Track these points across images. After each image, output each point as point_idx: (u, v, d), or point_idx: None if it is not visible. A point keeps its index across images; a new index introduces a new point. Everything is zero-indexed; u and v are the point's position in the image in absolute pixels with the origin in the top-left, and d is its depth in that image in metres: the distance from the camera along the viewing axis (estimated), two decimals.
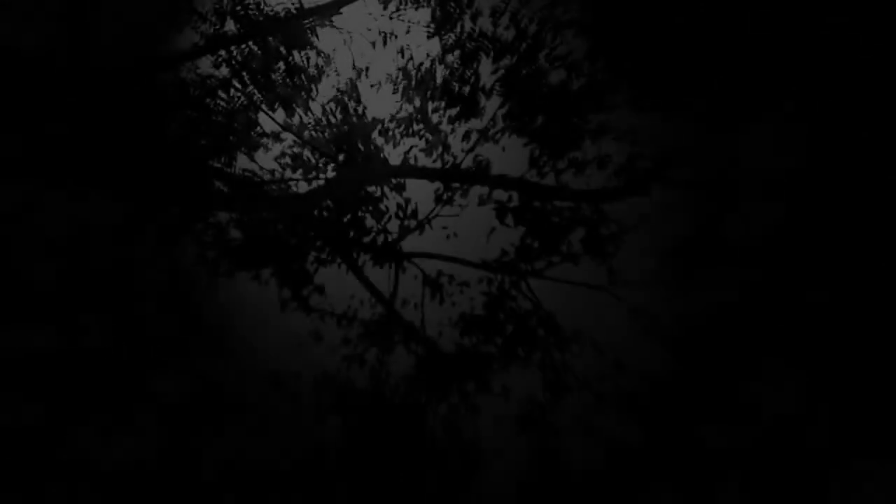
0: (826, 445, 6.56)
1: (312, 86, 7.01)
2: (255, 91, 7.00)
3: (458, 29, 6.77)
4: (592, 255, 7.04)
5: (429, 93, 6.90)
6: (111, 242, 6.95)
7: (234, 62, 6.95)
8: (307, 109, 7.07)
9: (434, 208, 7.00)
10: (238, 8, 6.85)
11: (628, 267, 7.18)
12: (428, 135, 6.99)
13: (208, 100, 6.91)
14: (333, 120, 7.02)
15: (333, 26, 7.02)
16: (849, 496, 6.26)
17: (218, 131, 6.91)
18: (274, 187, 7.06)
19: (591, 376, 7.15)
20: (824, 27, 6.41)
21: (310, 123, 7.08)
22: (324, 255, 7.08)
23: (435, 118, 6.98)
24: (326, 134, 7.06)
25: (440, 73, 6.86)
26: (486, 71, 6.88)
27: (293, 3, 6.88)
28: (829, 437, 6.56)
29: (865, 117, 6.45)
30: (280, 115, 7.06)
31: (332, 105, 7.01)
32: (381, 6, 6.91)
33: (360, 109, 7.02)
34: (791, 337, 6.82)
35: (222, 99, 6.99)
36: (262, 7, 6.87)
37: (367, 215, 6.99)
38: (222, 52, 6.94)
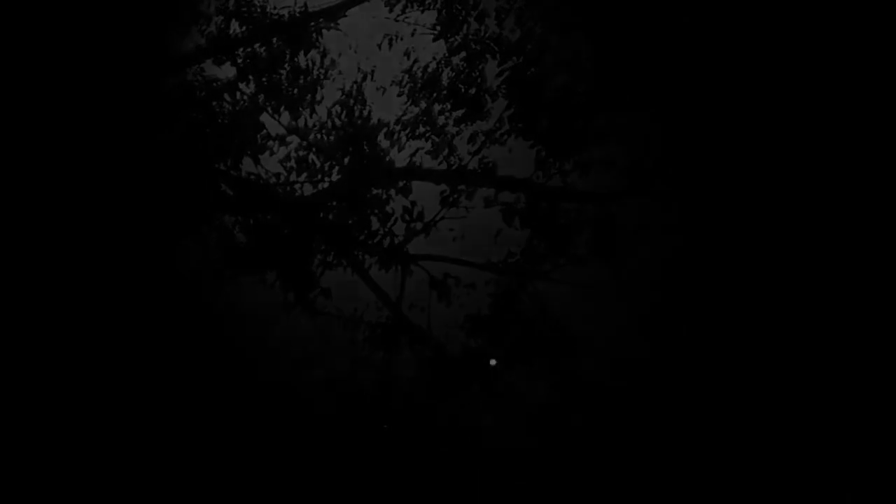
0: (825, 445, 6.55)
1: (317, 88, 7.00)
2: (261, 94, 6.99)
3: (464, 30, 6.76)
4: (599, 257, 7.02)
5: (434, 95, 6.88)
6: (115, 245, 6.93)
7: (239, 64, 6.94)
8: (312, 112, 7.06)
9: (440, 210, 6.98)
10: (243, 10, 6.85)
11: (635, 269, 7.17)
12: (434, 137, 6.98)
13: (213, 102, 6.90)
14: (339, 123, 7.01)
15: (338, 29, 7.01)
16: (848, 496, 6.25)
17: (223, 134, 6.90)
18: (279, 190, 7.04)
19: (597, 378, 7.14)
20: (825, 28, 6.40)
21: (315, 126, 7.07)
22: (329, 258, 7.06)
23: (441, 120, 6.97)
24: (332, 137, 7.05)
25: (446, 75, 6.84)
26: (492, 73, 6.87)
27: (298, 6, 6.87)
28: (828, 437, 6.54)
29: (864, 117, 6.43)
30: (285, 117, 7.06)
31: (338, 108, 7.00)
32: (387, 9, 6.89)
33: (365, 112, 7.01)
34: (797, 338, 6.79)
35: (227, 101, 6.98)
36: (266, 9, 6.87)
37: (373, 218, 6.97)
38: (227, 55, 6.93)
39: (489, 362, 6.98)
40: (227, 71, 7.00)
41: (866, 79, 6.48)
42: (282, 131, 7.09)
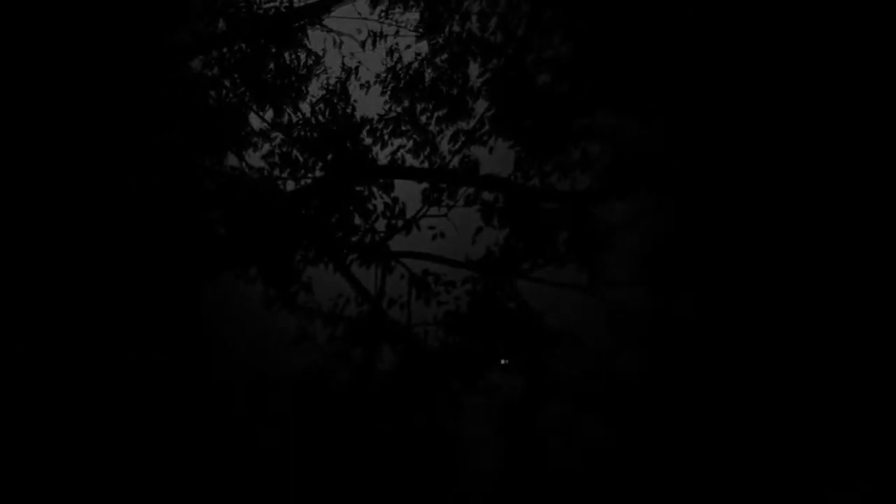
0: (818, 449, 6.55)
1: (302, 86, 7.08)
2: (246, 90, 7.06)
3: (447, 31, 6.86)
4: (577, 257, 7.11)
5: (417, 94, 6.98)
6: (97, 240, 6.97)
7: (224, 62, 7.01)
8: (296, 109, 7.14)
9: (421, 208, 7.06)
10: (230, 9, 6.93)
11: (613, 268, 7.25)
12: (416, 135, 7.07)
13: (199, 99, 6.97)
14: (322, 120, 7.09)
15: (323, 27, 7.10)
16: (848, 496, 6.24)
17: (208, 131, 6.96)
18: (262, 186, 7.10)
19: (574, 376, 7.22)
20: (819, 28, 6.44)
21: (299, 123, 7.15)
22: (311, 254, 7.12)
23: (423, 119, 7.06)
24: (315, 134, 7.12)
25: (428, 74, 6.94)
26: (475, 73, 6.97)
27: (283, 4, 6.96)
28: (820, 441, 6.55)
29: (858, 116, 6.44)
30: (270, 114, 7.13)
31: (321, 105, 7.09)
32: (371, 8, 6.99)
33: (348, 110, 7.09)
34: (790, 336, 6.78)
35: (213, 98, 7.05)
36: (252, 7, 6.95)
37: (355, 215, 7.04)
38: (213, 52, 7.00)
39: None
40: (214, 68, 7.07)
41: (866, 82, 6.45)
42: (266, 127, 7.16)
